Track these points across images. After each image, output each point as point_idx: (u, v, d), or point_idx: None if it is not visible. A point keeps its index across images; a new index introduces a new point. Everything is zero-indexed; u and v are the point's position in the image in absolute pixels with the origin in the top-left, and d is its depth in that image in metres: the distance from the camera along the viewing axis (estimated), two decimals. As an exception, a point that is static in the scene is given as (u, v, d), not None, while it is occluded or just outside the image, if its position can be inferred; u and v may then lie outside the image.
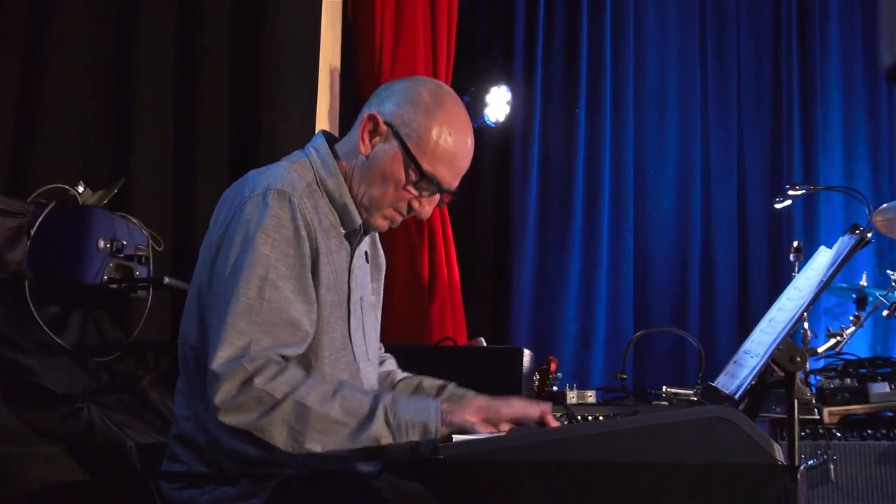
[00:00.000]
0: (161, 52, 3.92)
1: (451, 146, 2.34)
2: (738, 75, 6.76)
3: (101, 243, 3.25)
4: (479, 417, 2.14)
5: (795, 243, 4.50)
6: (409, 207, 2.39)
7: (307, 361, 2.25)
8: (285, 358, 2.13)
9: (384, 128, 2.35)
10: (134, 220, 3.46)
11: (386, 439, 2.07)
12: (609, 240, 6.40)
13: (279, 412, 2.04)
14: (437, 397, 2.54)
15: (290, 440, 2.05)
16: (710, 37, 6.78)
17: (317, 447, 2.05)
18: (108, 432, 2.99)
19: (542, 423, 2.29)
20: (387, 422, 2.07)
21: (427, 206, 2.40)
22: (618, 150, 6.52)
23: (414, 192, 2.36)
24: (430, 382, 2.65)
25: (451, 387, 2.61)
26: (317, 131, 4.39)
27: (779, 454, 1.73)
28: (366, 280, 2.53)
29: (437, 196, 2.41)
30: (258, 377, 2.05)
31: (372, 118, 2.36)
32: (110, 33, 3.79)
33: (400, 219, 2.43)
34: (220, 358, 2.06)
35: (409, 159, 2.32)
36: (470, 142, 2.41)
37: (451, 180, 2.38)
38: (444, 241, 5.30)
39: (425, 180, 2.34)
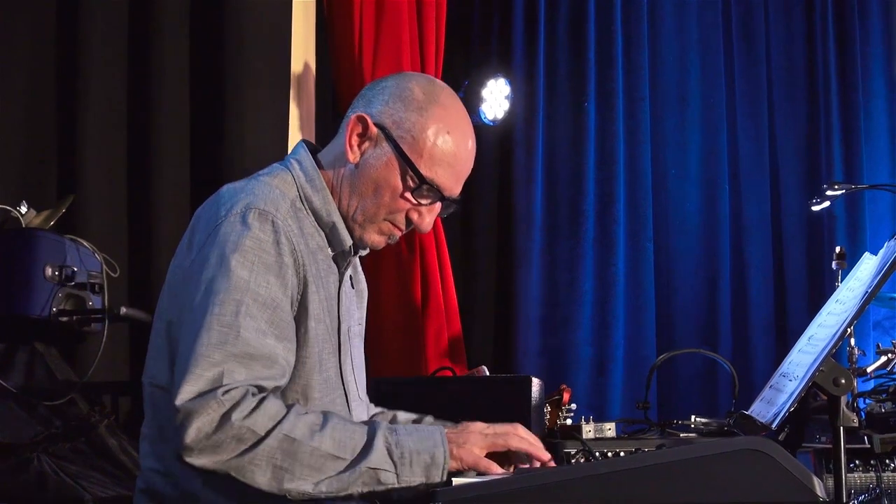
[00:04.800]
0: (110, 52, 3.94)
1: (450, 147, 2.35)
2: (767, 59, 6.79)
3: (49, 270, 3.27)
4: (485, 450, 2.19)
5: (838, 249, 4.54)
6: (408, 220, 2.41)
7: (295, 402, 2.25)
8: (261, 389, 2.12)
9: (374, 130, 2.35)
10: (85, 244, 3.48)
11: (387, 472, 2.08)
12: (626, 251, 6.43)
13: (263, 449, 2.04)
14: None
15: (275, 480, 2.04)
16: (734, 16, 6.82)
17: (306, 486, 2.05)
18: (62, 485, 3.00)
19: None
20: (388, 451, 2.09)
21: (427, 217, 2.41)
22: (633, 148, 6.55)
23: (412, 200, 2.36)
24: (405, 416, 2.67)
25: (429, 420, 2.63)
26: (290, 138, 4.47)
27: (820, 490, 1.75)
28: (353, 308, 2.55)
29: (438, 206, 2.41)
30: (235, 411, 2.03)
31: (361, 120, 2.36)
32: (52, 32, 3.82)
33: (398, 233, 2.43)
34: (189, 392, 2.03)
35: (406, 164, 2.33)
36: (471, 141, 2.42)
37: (453, 186, 2.39)
38: (439, 257, 5.32)
39: (424, 187, 2.34)
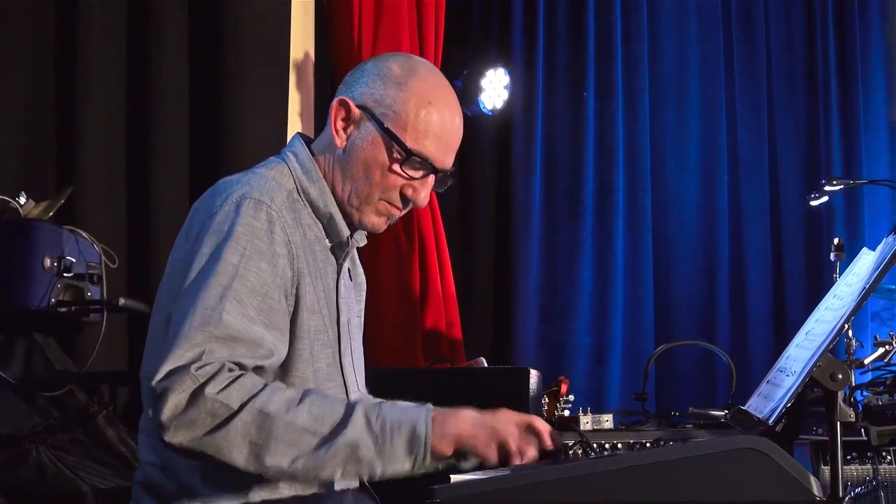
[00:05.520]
0: (109, 43, 3.94)
1: (434, 118, 2.36)
2: (766, 51, 6.78)
3: (48, 262, 3.27)
4: (471, 427, 2.13)
5: (836, 240, 4.54)
6: (404, 198, 2.41)
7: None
8: (241, 367, 2.09)
9: (357, 112, 2.38)
10: (84, 234, 3.49)
11: (366, 446, 2.04)
12: (625, 241, 6.43)
13: (237, 424, 2.00)
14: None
15: (252, 457, 2.01)
16: (734, 7, 6.80)
17: (283, 461, 2.02)
18: (61, 476, 3.01)
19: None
20: (368, 424, 2.05)
21: (422, 192, 2.42)
22: (632, 138, 6.54)
23: (403, 174, 2.37)
24: (405, 405, 2.68)
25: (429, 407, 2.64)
26: (289, 131, 4.47)
27: (817, 489, 1.76)
28: (351, 300, 2.56)
29: (431, 179, 2.42)
30: (209, 385, 2.00)
31: (343, 104, 2.39)
32: (51, 23, 3.82)
33: (397, 213, 2.44)
34: (164, 371, 2.02)
35: (391, 139, 2.34)
36: (456, 111, 2.43)
37: (442, 157, 2.40)
38: (437, 247, 5.31)
39: (412, 159, 2.36)
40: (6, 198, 3.36)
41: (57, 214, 3.49)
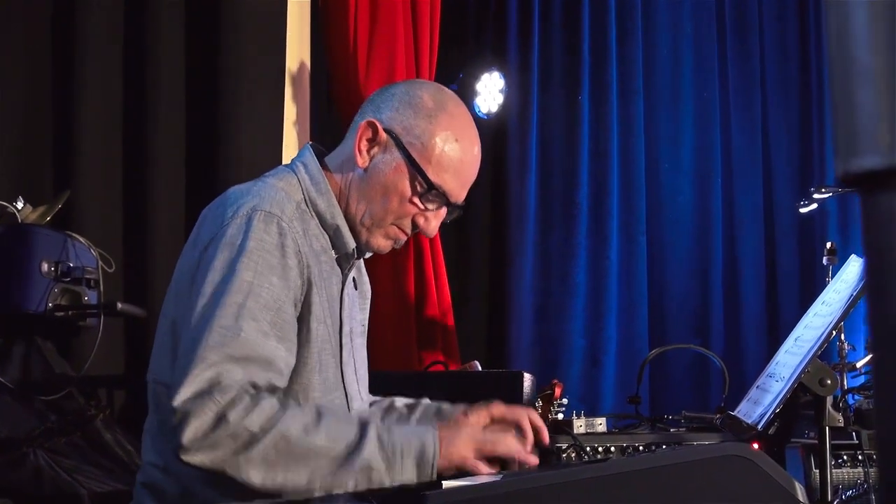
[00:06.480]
0: (106, 48, 3.96)
1: (457, 154, 2.40)
2: (760, 54, 6.81)
3: (45, 266, 3.29)
4: (473, 451, 2.22)
5: (828, 245, 4.56)
6: (414, 224, 2.45)
7: (295, 401, 2.30)
8: (256, 388, 2.15)
9: (384, 136, 2.40)
10: (81, 239, 3.51)
11: (378, 465, 2.12)
12: (619, 244, 6.45)
13: (259, 448, 2.08)
14: (415, 417, 2.66)
15: (269, 478, 2.09)
16: (728, 9, 6.83)
17: (301, 481, 2.10)
18: (58, 480, 3.03)
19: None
20: (381, 444, 2.13)
21: (433, 222, 2.46)
22: (627, 141, 6.56)
23: (419, 205, 2.41)
24: (402, 402, 2.74)
25: (425, 402, 2.71)
26: (285, 134, 4.49)
27: (801, 495, 1.79)
28: (355, 310, 2.59)
29: (444, 211, 2.47)
30: (232, 411, 2.07)
31: (371, 125, 2.41)
32: (48, 28, 3.85)
33: (404, 238, 2.48)
34: (186, 393, 2.08)
35: (415, 170, 2.38)
36: (477, 148, 2.48)
37: (459, 192, 2.45)
38: (432, 251, 5.33)
39: (432, 192, 2.40)
40: (3, 202, 3.37)
41: (54, 219, 3.51)
